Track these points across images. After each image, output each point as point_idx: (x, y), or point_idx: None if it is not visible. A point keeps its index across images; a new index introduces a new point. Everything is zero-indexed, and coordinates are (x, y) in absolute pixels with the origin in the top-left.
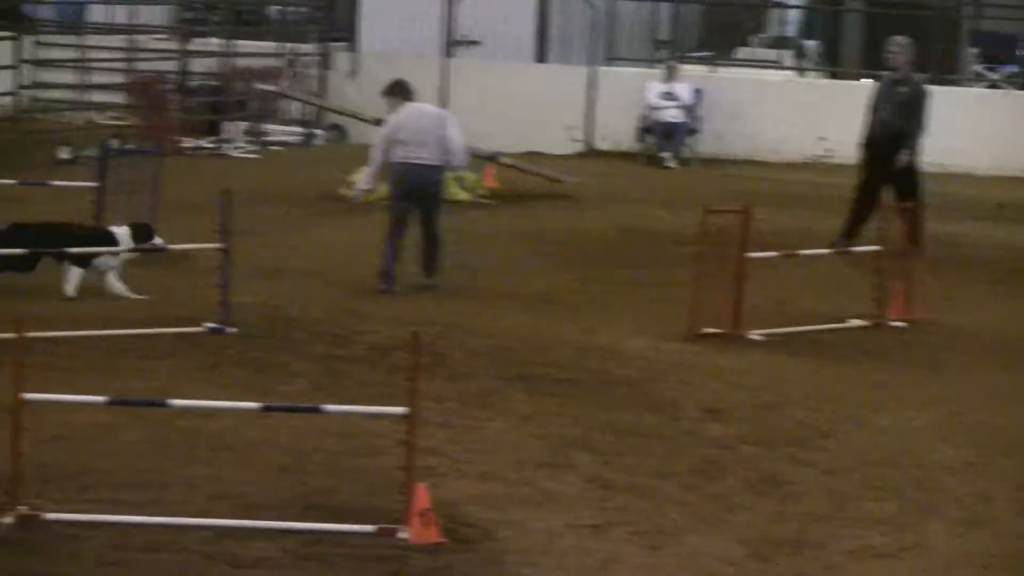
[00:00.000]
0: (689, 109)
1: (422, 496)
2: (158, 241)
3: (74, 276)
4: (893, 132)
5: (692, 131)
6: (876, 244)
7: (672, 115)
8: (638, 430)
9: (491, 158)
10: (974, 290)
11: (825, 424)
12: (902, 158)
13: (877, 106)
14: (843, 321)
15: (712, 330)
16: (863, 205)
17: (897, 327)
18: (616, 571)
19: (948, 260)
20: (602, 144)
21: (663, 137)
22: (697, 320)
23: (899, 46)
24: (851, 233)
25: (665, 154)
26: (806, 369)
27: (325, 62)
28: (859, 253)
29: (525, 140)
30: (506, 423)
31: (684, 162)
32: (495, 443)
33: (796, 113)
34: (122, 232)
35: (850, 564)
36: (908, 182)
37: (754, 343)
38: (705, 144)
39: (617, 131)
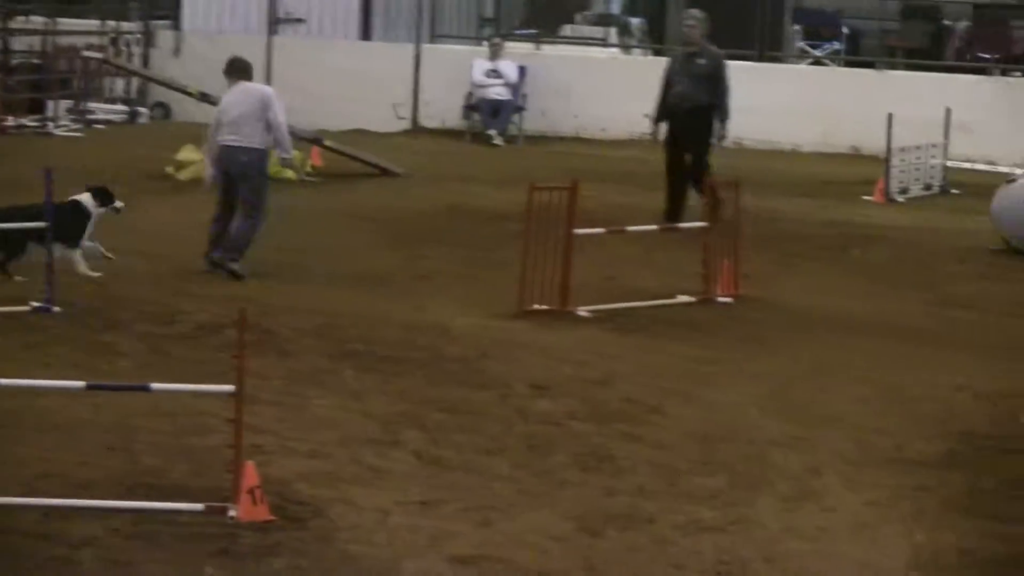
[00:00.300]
0: (515, 87)
1: (251, 474)
2: (118, 204)
3: (78, 255)
4: (693, 105)
5: (518, 109)
6: (702, 220)
7: (498, 92)
8: (467, 407)
9: (314, 141)
10: (800, 266)
11: (654, 399)
12: (721, 132)
13: (672, 80)
14: (671, 297)
15: (540, 307)
16: (676, 181)
17: (724, 303)
18: (446, 547)
19: (773, 236)
20: (428, 122)
21: (489, 115)
22: (525, 297)
23: (694, 19)
24: (673, 212)
25: (491, 132)
26: (634, 345)
27: (148, 40)
28: (686, 229)
29: (351, 118)
30: (335, 401)
31: (510, 140)
32: (324, 421)
33: (621, 90)
34: (87, 199)
35: (680, 538)
36: (702, 154)
37: (582, 319)
38: (531, 122)
39: (443, 109)
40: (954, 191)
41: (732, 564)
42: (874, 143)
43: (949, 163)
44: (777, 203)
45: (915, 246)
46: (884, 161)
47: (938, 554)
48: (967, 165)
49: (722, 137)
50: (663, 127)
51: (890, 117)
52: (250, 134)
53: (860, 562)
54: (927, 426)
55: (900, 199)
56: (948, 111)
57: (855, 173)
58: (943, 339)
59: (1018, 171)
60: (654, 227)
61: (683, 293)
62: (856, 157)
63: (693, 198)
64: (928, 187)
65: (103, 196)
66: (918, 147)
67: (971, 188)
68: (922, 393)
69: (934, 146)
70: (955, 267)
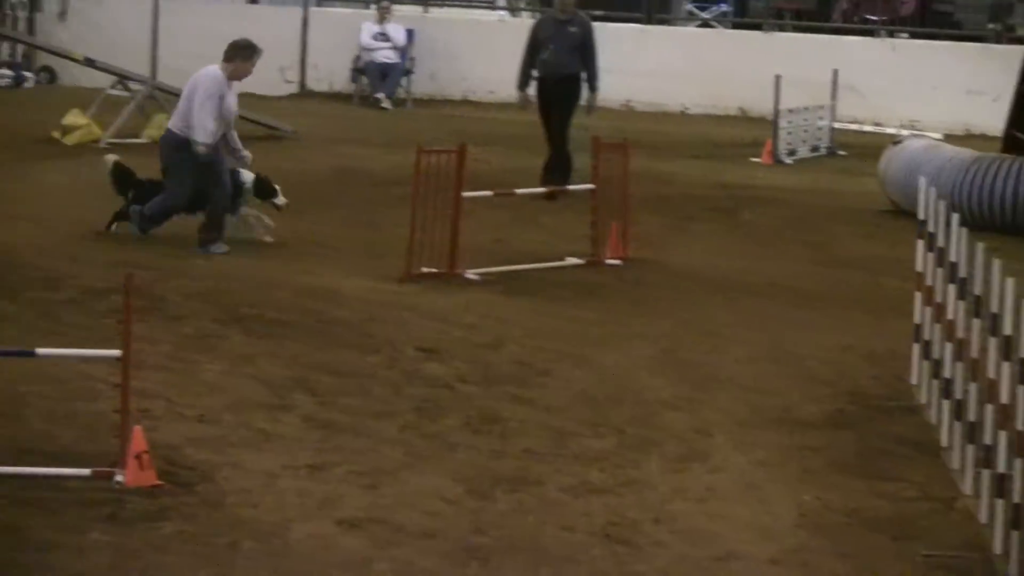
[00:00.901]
0: (403, 50)
1: (138, 439)
2: (279, 201)
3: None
4: (565, 73)
5: (406, 72)
6: (590, 183)
7: (386, 56)
8: (356, 370)
9: None
10: (689, 228)
11: (543, 362)
12: (592, 100)
13: (541, 46)
14: (560, 260)
15: (429, 270)
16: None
17: (613, 265)
18: (335, 510)
19: (662, 198)
20: (316, 85)
21: (377, 78)
22: (414, 260)
23: None
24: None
25: (380, 95)
26: (523, 308)
27: (34, 4)
28: (574, 192)
29: (239, 82)
30: (223, 365)
31: (399, 103)
32: (213, 385)
33: (510, 53)
34: (248, 179)
35: (569, 500)
36: (566, 121)
37: (471, 282)
38: (420, 85)
39: (331, 72)
40: (841, 152)
41: (621, 525)
42: (762, 105)
43: (836, 125)
44: (666, 165)
45: (803, 207)
46: (772, 123)
47: (824, 513)
48: (854, 127)
49: (593, 106)
50: (529, 92)
51: (778, 79)
52: (174, 117)
53: (748, 522)
54: (815, 386)
55: (788, 161)
56: (835, 73)
57: (743, 135)
58: (831, 300)
59: (905, 132)
60: (542, 190)
61: (572, 255)
62: (744, 119)
63: (581, 160)
64: (816, 149)
65: (260, 187)
66: (806, 109)
67: (858, 149)
68: (810, 353)
69: (821, 108)
70: (843, 228)
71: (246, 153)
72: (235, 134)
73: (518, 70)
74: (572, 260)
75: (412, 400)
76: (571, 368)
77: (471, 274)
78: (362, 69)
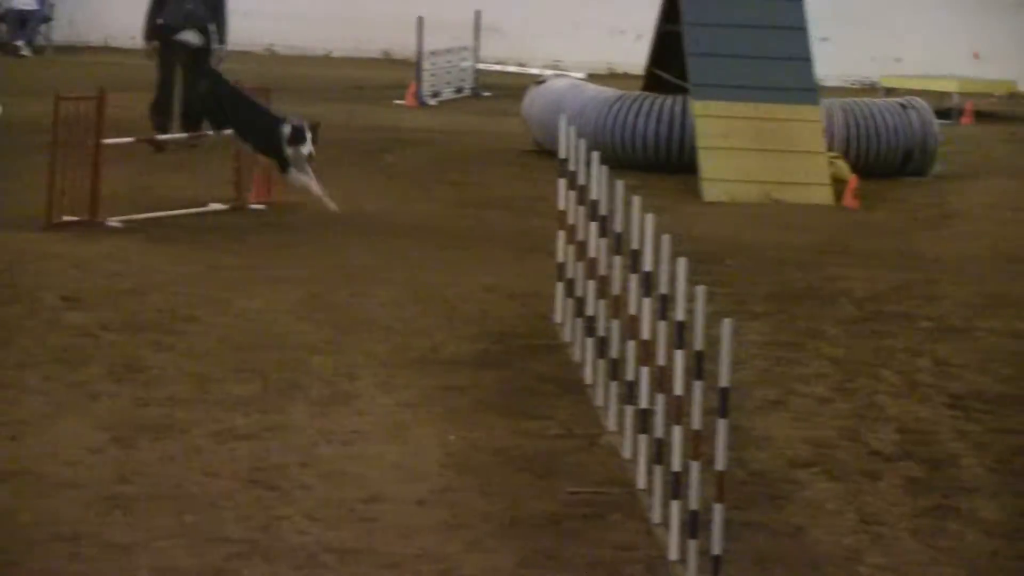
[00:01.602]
0: None
1: None
2: (304, 149)
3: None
4: (199, 26)
5: (46, 19)
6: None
7: (24, 3)
8: None
9: None
10: (334, 171)
11: (186, 308)
12: (217, 48)
13: None
14: (203, 205)
15: (70, 218)
16: (171, 97)
17: (257, 210)
18: None
19: None
20: None
21: (16, 25)
22: (54, 209)
23: None
24: (167, 125)
25: (19, 42)
26: (166, 254)
27: None
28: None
29: None
30: None
31: (38, 50)
32: None
33: None
34: (286, 130)
35: (213, 446)
36: (202, 71)
37: (113, 230)
38: (59, 31)
39: None
40: (486, 93)
41: (267, 470)
42: (406, 47)
43: (480, 65)
44: (309, 109)
45: (447, 149)
46: (415, 65)
47: (470, 453)
48: (498, 67)
49: (220, 59)
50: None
51: (420, 20)
52: None
53: (393, 463)
54: (460, 326)
55: (432, 102)
56: (478, 14)
57: (387, 78)
58: (476, 240)
59: (548, 72)
60: (184, 136)
61: (216, 201)
62: (388, 62)
63: None
64: (460, 90)
65: (296, 134)
66: (449, 50)
67: (502, 90)
68: (455, 294)
69: (465, 49)
70: (487, 169)
71: None
72: None
73: (144, 20)
74: (216, 206)
75: (54, 350)
76: (215, 314)
77: (113, 222)
78: (0, 16)
